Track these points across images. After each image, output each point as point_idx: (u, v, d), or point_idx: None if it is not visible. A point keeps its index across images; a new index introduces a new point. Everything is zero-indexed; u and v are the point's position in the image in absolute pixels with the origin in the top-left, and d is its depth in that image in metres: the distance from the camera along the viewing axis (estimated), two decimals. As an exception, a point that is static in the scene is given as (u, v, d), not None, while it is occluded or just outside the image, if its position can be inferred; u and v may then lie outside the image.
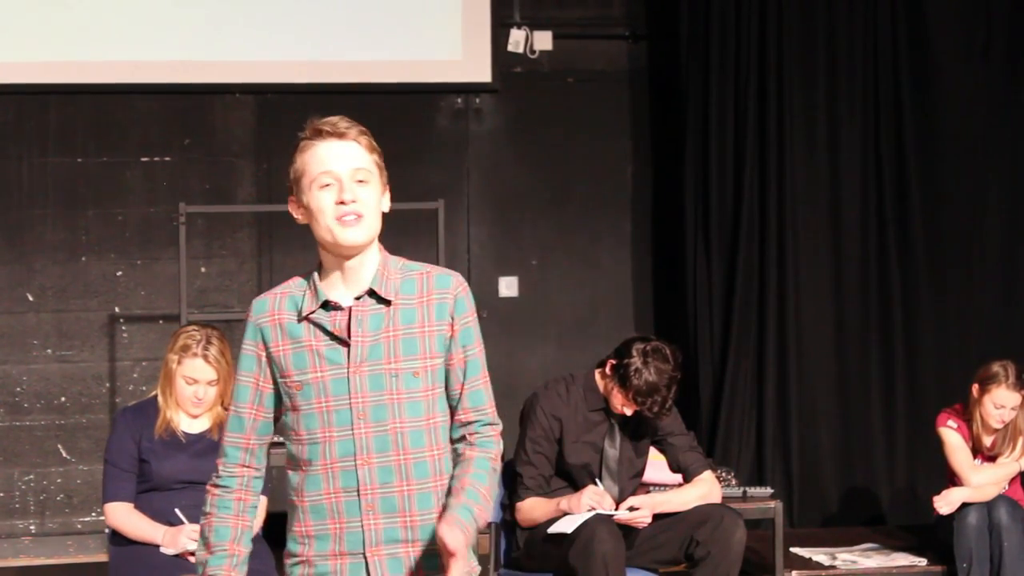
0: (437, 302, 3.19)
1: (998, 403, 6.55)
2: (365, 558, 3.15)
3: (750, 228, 7.97)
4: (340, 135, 3.15)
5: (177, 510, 5.30)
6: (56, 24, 7.68)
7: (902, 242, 8.05)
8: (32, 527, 7.75)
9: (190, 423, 5.43)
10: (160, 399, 5.43)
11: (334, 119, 3.17)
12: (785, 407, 7.92)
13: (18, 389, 7.77)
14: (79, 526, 7.76)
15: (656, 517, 5.74)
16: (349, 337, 3.14)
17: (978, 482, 6.57)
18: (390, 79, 7.99)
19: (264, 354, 3.21)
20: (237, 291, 7.97)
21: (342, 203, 3.12)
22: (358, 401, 3.14)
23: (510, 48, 8.18)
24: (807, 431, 7.96)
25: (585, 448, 5.69)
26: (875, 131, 8.06)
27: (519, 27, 8.19)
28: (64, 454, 7.79)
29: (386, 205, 3.23)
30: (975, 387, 6.62)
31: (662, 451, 5.94)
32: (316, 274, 3.21)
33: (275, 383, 3.22)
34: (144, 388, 7.56)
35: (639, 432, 5.79)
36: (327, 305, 3.17)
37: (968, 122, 8.10)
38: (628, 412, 5.64)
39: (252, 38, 7.86)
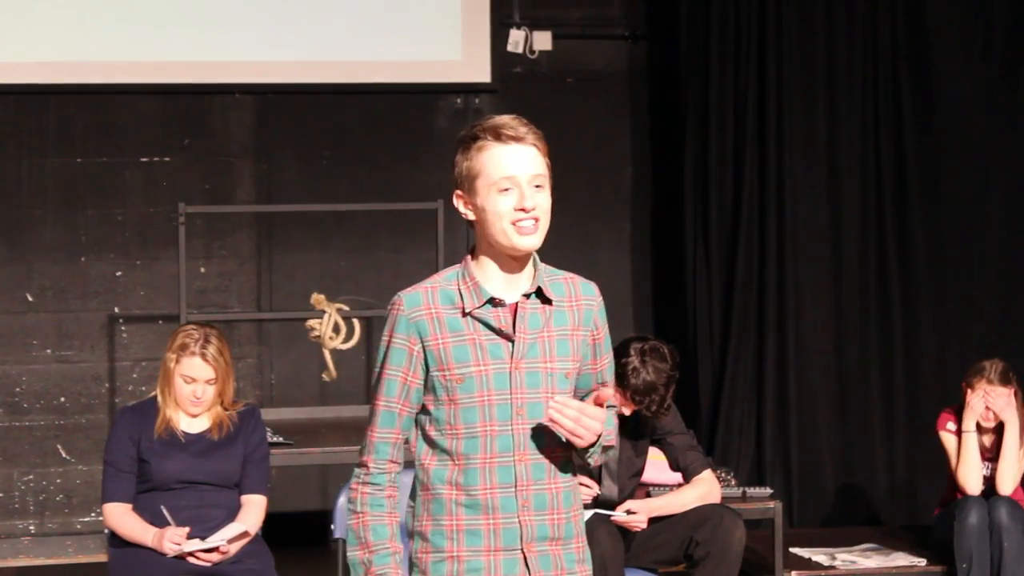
0: (585, 308, 3.28)
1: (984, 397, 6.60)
2: (523, 553, 3.19)
3: (750, 228, 7.97)
4: (520, 139, 3.20)
5: (163, 508, 5.30)
6: (56, 24, 7.67)
7: (902, 242, 8.05)
8: (32, 527, 7.75)
9: (190, 423, 5.43)
10: (159, 399, 5.43)
11: (512, 121, 3.22)
12: (785, 407, 7.92)
13: (18, 389, 7.77)
14: (78, 526, 7.76)
15: (655, 518, 5.74)
16: (514, 333, 3.19)
17: (973, 489, 6.60)
18: (390, 79, 7.99)
19: (418, 348, 3.20)
20: (237, 291, 7.97)
21: (522, 210, 3.16)
22: (517, 396, 3.19)
23: (510, 48, 8.18)
24: (807, 431, 7.95)
25: (585, 448, 5.69)
26: (875, 131, 8.05)
27: (519, 27, 8.18)
28: (64, 454, 7.79)
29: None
30: (964, 385, 6.66)
31: (662, 450, 5.94)
32: (471, 270, 3.23)
33: (426, 378, 3.21)
34: (144, 388, 7.56)
35: (638, 432, 5.79)
36: (490, 301, 3.20)
37: (968, 122, 8.10)
38: (627, 412, 5.64)
39: (252, 38, 7.86)
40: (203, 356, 5.35)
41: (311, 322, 6.63)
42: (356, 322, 6.77)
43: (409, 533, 3.28)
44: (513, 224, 3.17)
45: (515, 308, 3.22)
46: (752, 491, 6.64)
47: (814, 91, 8.00)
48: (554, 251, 8.49)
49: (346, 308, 6.69)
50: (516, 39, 8.17)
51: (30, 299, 7.80)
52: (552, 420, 3.14)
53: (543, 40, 8.20)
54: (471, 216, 3.23)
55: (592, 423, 3.15)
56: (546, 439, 3.20)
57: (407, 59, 8.00)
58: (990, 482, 6.65)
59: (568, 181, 8.21)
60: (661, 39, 8.28)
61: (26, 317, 7.78)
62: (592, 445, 3.21)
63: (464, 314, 3.20)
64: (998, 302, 8.15)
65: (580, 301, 3.29)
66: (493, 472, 3.18)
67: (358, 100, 8.03)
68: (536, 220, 3.19)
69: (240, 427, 5.45)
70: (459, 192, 3.24)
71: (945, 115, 8.08)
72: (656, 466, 6.03)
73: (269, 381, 7.97)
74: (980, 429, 6.67)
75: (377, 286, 7.73)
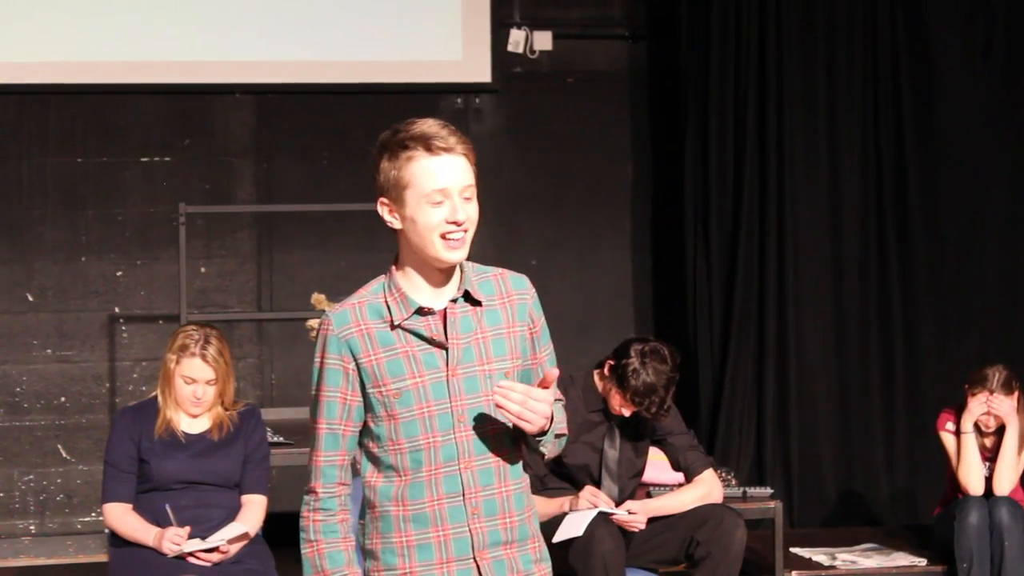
0: (518, 303, 3.24)
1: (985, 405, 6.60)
2: (476, 562, 3.15)
3: (750, 228, 7.97)
4: (450, 150, 3.14)
5: (167, 506, 5.30)
6: (56, 24, 7.68)
7: (902, 242, 8.05)
8: (32, 527, 7.75)
9: (190, 423, 5.43)
10: (160, 399, 5.43)
11: (442, 131, 3.15)
12: (785, 407, 7.92)
13: (18, 389, 7.77)
14: (79, 526, 7.76)
15: (655, 518, 5.74)
16: (447, 340, 3.15)
17: (976, 489, 6.60)
18: (390, 79, 7.99)
19: (352, 367, 3.15)
20: (237, 291, 7.97)
21: (454, 223, 3.12)
22: (458, 404, 3.14)
23: (510, 48, 8.18)
24: (807, 431, 7.95)
25: (584, 449, 5.69)
26: (875, 131, 8.05)
27: (519, 27, 8.18)
28: (64, 454, 7.79)
29: None
30: (966, 387, 6.66)
31: (663, 451, 5.95)
32: (396, 280, 3.19)
33: (364, 395, 3.16)
34: (144, 388, 7.56)
35: (639, 432, 5.79)
36: (419, 310, 3.16)
37: (968, 122, 8.10)
38: (626, 413, 5.64)
39: (252, 38, 7.86)
40: (203, 357, 5.35)
41: (311, 322, 6.63)
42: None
43: (362, 551, 3.23)
44: (442, 237, 3.12)
45: (444, 314, 3.16)
46: (752, 491, 6.64)
47: (814, 91, 8.00)
48: (554, 251, 8.55)
49: (346, 308, 6.68)
50: (516, 39, 8.17)
51: (30, 299, 7.80)
52: (498, 406, 3.08)
53: (543, 40, 8.21)
54: (398, 225, 3.18)
55: (540, 406, 3.09)
56: (492, 441, 3.16)
57: (407, 59, 8.00)
58: (989, 482, 6.65)
59: (568, 181, 8.23)
60: (661, 39, 8.28)
61: (26, 317, 7.79)
62: (543, 433, 3.16)
63: (393, 327, 3.15)
64: (998, 302, 8.15)
65: (512, 296, 3.24)
66: (439, 483, 3.13)
67: (358, 100, 8.03)
68: (465, 232, 3.14)
69: (240, 427, 5.45)
70: (384, 200, 3.19)
71: (945, 115, 8.08)
72: (657, 466, 6.03)
73: (269, 381, 7.97)
74: (980, 430, 6.68)
75: (377, 286, 7.72)
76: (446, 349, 3.15)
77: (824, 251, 8.02)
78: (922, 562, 6.79)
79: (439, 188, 3.12)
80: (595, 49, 8.32)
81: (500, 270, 3.28)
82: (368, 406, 3.16)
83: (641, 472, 5.88)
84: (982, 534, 6.49)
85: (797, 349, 7.94)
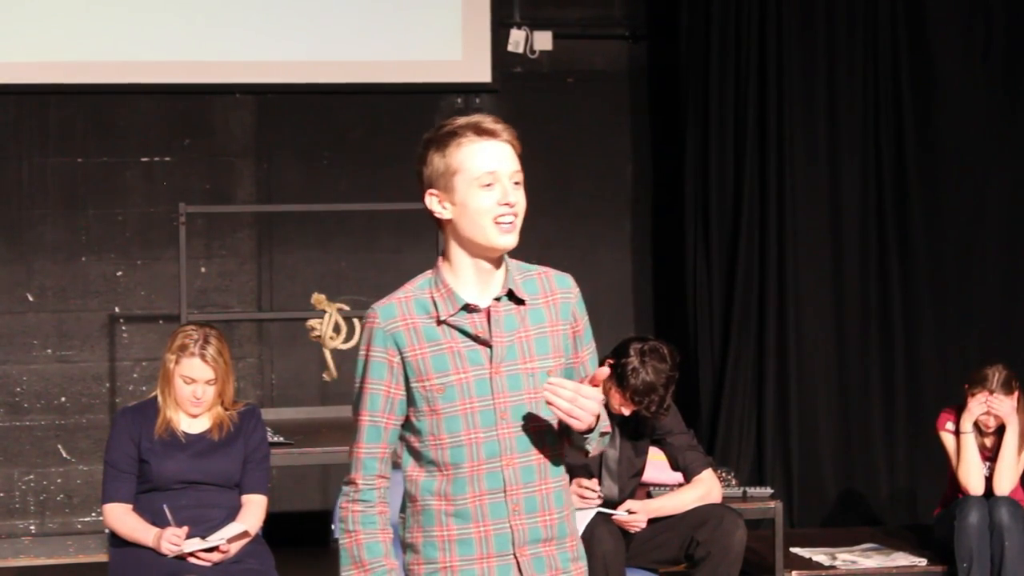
0: (561, 301, 3.28)
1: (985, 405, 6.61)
2: (516, 558, 3.17)
3: (750, 228, 7.97)
4: (497, 135, 3.17)
5: (165, 506, 5.30)
6: (56, 24, 7.68)
7: (902, 242, 8.05)
8: (32, 527, 7.75)
9: (190, 423, 5.43)
10: (159, 399, 5.43)
11: (488, 118, 3.19)
12: (785, 407, 7.92)
13: (18, 389, 7.77)
14: (79, 526, 7.76)
15: (655, 518, 5.75)
16: (491, 338, 3.16)
17: (976, 489, 6.60)
18: (390, 79, 7.99)
19: (397, 360, 3.17)
20: (237, 291, 7.97)
21: (506, 204, 3.15)
22: (500, 401, 3.16)
23: (510, 48, 8.18)
24: (807, 431, 7.96)
25: (584, 448, 5.69)
26: (875, 131, 8.06)
27: (519, 27, 8.19)
28: (64, 454, 7.79)
29: None
30: (966, 388, 6.67)
31: (662, 450, 5.95)
32: (443, 275, 3.21)
33: (407, 389, 3.18)
34: (144, 388, 7.56)
35: (638, 432, 5.80)
36: (465, 307, 3.18)
37: (968, 123, 8.10)
38: (626, 412, 5.65)
39: (252, 38, 7.86)
40: (202, 357, 5.35)
41: (311, 322, 6.63)
42: (356, 322, 6.77)
43: (402, 545, 3.25)
44: (495, 221, 3.15)
45: (488, 312, 3.19)
46: (752, 491, 6.65)
47: (814, 91, 8.00)
48: (554, 251, 8.55)
49: (346, 308, 6.69)
50: (516, 39, 8.17)
51: (30, 299, 7.80)
52: (548, 402, 3.10)
53: (543, 40, 8.21)
54: (448, 215, 3.19)
55: (589, 403, 3.11)
56: (534, 438, 3.17)
57: (407, 59, 8.00)
58: (989, 482, 6.66)
59: (568, 181, 8.23)
60: (661, 39, 8.28)
61: (27, 317, 7.79)
62: (590, 430, 3.18)
63: (439, 322, 3.17)
64: (998, 302, 8.15)
65: (556, 295, 3.27)
66: (481, 479, 3.15)
67: (358, 100, 8.03)
68: (515, 216, 3.18)
69: (240, 427, 5.45)
70: (433, 191, 3.21)
71: (945, 115, 8.08)
72: (657, 466, 6.03)
73: (269, 381, 7.97)
74: (980, 430, 6.68)
75: (377, 286, 7.72)
76: (490, 346, 3.16)
77: (824, 251, 8.02)
78: (922, 562, 6.80)
79: (489, 170, 3.15)
80: (595, 49, 8.32)
81: (544, 268, 3.32)
82: (411, 400, 3.18)
83: (641, 472, 5.88)
84: (982, 534, 6.49)
85: (797, 349, 7.94)
